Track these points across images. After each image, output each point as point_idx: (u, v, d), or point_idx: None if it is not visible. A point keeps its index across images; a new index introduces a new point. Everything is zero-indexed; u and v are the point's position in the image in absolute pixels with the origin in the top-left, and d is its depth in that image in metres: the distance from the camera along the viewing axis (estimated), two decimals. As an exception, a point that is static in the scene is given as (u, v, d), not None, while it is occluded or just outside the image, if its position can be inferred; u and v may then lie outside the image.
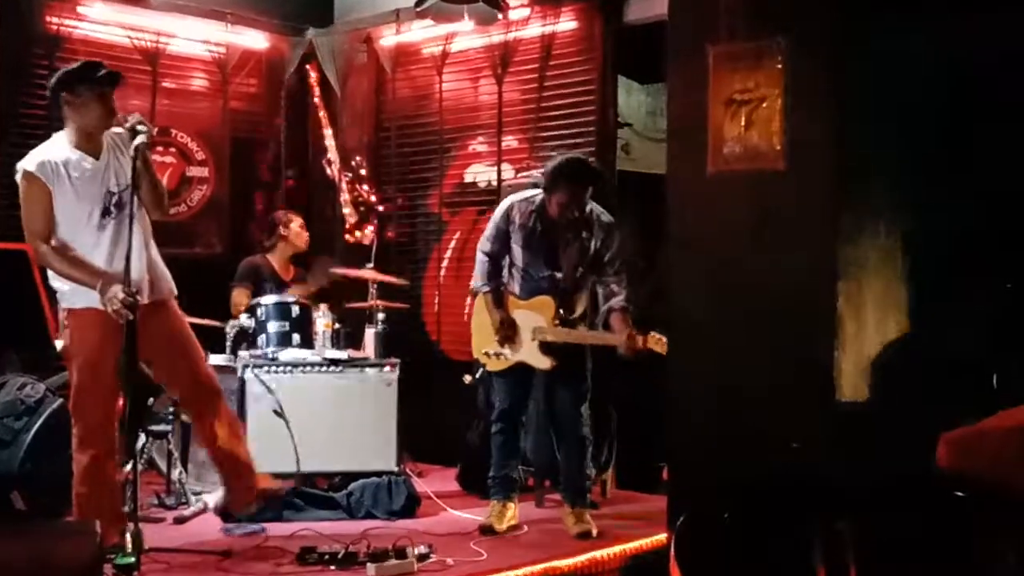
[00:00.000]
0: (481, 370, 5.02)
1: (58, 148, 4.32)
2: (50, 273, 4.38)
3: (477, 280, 5.03)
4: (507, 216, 4.91)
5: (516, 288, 4.95)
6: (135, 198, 4.15)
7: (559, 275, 4.85)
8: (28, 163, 4.28)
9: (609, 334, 4.72)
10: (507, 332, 4.88)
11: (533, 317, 4.85)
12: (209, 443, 4.71)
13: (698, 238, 4.26)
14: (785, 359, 3.94)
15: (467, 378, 5.05)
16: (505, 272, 4.99)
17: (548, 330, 4.81)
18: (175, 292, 4.60)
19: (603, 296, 4.83)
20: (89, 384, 4.32)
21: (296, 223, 6.49)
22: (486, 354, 4.97)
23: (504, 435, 5.03)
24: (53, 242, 4.27)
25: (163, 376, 4.68)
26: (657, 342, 4.52)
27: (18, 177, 4.31)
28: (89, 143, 4.32)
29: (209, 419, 4.66)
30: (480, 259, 5.00)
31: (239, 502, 4.81)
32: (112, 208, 4.30)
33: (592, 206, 4.86)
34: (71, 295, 4.33)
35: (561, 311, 4.83)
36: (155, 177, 4.35)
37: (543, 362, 4.83)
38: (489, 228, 5.00)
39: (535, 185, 5.03)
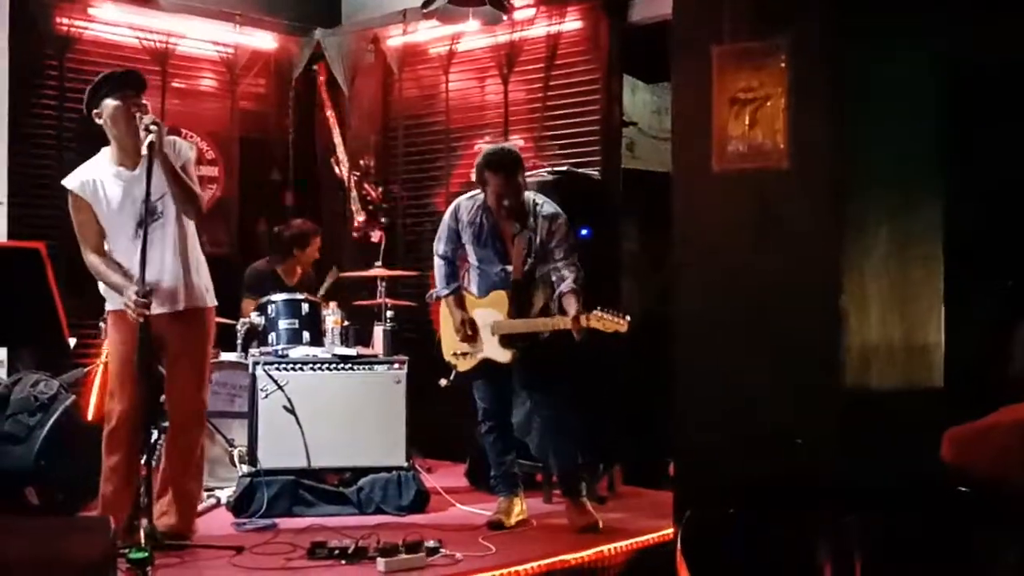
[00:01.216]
0: (454, 372, 5.10)
1: (98, 165, 4.48)
2: None
3: (437, 285, 5.13)
4: (455, 215, 5.03)
5: (473, 288, 5.07)
6: (148, 197, 4.21)
7: (510, 268, 4.93)
8: (70, 182, 4.46)
9: (560, 318, 4.78)
10: (468, 331, 4.98)
11: (491, 313, 4.95)
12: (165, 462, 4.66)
13: (703, 236, 4.29)
14: (790, 356, 3.97)
15: (442, 382, 5.13)
16: (465, 274, 5.11)
17: (504, 323, 4.90)
18: (208, 303, 4.63)
19: (556, 282, 4.88)
20: (116, 385, 4.43)
21: (314, 246, 6.56)
22: (455, 355, 5.08)
23: (493, 434, 5.10)
24: (105, 247, 4.45)
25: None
26: (599, 320, 4.58)
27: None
28: (126, 155, 4.43)
29: (171, 444, 4.61)
30: (437, 264, 5.10)
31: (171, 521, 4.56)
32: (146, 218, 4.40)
33: (534, 197, 4.96)
34: (107, 297, 4.50)
35: (516, 304, 4.91)
36: (178, 176, 4.37)
37: (504, 355, 4.92)
38: (440, 230, 5.10)
39: (558, 177, 5.10)
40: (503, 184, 4.82)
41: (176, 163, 4.39)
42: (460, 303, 5.06)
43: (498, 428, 5.10)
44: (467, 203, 5.02)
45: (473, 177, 5.00)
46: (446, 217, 5.10)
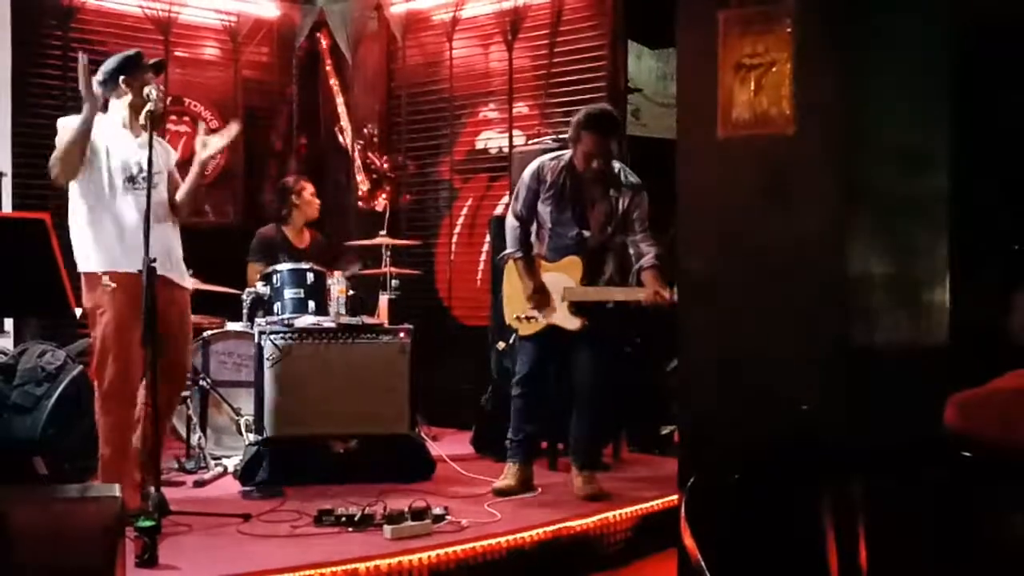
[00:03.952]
0: (514, 336, 5.01)
1: (107, 119, 4.51)
2: (74, 240, 4.44)
3: (509, 246, 4.98)
4: (537, 176, 4.91)
5: (544, 250, 4.95)
6: (150, 165, 4.23)
7: (587, 234, 4.86)
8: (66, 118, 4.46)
9: (637, 289, 4.74)
10: (540, 298, 4.87)
11: (562, 279, 4.86)
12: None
13: (708, 203, 4.26)
14: (794, 322, 3.96)
15: (500, 344, 5.04)
16: (533, 235, 4.99)
17: (577, 290, 4.82)
18: (187, 287, 4.65)
19: (633, 256, 4.84)
20: (111, 346, 4.41)
21: (307, 191, 6.48)
22: (518, 319, 4.96)
23: (525, 399, 5.02)
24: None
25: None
26: None
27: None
28: (132, 121, 4.47)
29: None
30: (511, 224, 4.97)
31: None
32: (139, 179, 4.42)
33: (620, 166, 4.90)
34: (93, 260, 4.42)
35: (590, 271, 4.85)
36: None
37: (573, 323, 4.83)
38: (521, 192, 4.97)
39: (563, 146, 5.04)
40: (596, 144, 4.75)
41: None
42: (532, 268, 4.91)
43: (533, 394, 5.02)
44: (550, 163, 4.91)
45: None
46: (526, 178, 4.95)
